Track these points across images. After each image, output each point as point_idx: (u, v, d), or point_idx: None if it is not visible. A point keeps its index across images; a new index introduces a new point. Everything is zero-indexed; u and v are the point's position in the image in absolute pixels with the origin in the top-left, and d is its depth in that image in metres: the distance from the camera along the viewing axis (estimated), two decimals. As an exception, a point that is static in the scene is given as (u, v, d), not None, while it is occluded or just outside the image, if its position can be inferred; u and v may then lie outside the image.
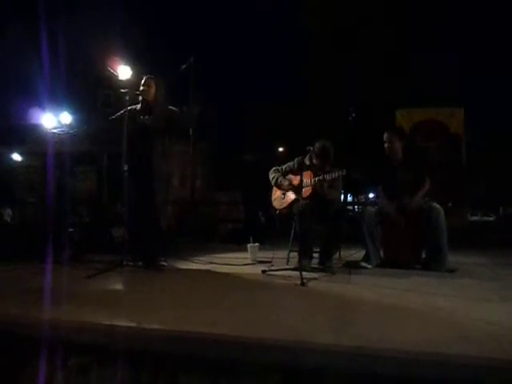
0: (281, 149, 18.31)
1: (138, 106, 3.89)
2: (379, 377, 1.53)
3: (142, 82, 3.84)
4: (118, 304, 2.43)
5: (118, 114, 3.84)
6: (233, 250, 5.17)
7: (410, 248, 3.77)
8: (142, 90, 3.79)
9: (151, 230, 3.77)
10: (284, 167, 4.15)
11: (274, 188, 4.18)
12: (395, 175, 3.86)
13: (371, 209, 3.86)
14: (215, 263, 4.09)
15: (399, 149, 3.88)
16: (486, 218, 27.88)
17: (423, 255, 3.79)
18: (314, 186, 3.82)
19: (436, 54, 13.89)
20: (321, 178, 3.76)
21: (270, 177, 4.17)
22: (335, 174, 3.70)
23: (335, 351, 1.60)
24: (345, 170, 3.66)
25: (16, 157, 8.79)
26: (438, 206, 3.66)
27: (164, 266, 3.72)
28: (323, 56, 14.37)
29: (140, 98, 3.84)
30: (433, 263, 3.61)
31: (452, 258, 3.75)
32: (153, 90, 3.84)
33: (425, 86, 12.99)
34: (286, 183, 3.99)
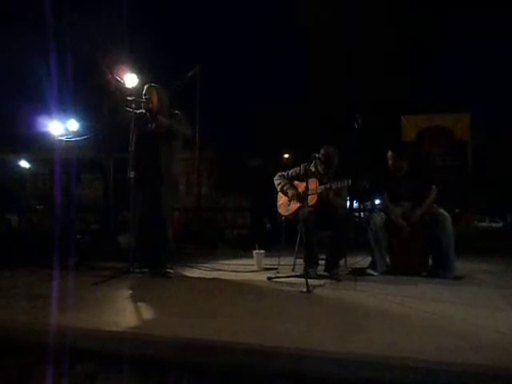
0: (286, 155, 18.32)
1: (145, 113, 3.90)
2: (386, 385, 1.52)
3: (144, 91, 3.86)
4: (123, 311, 2.44)
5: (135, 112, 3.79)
6: (238, 257, 5.16)
7: (416, 255, 3.75)
8: (144, 100, 3.80)
9: (158, 237, 3.78)
10: (290, 173, 4.15)
11: (280, 194, 4.17)
12: (399, 185, 3.87)
13: (377, 215, 3.85)
14: (221, 270, 4.08)
15: (402, 166, 3.92)
16: (493, 225, 27.65)
17: (430, 262, 3.77)
18: (320, 194, 3.81)
19: (442, 56, 13.90)
20: (327, 186, 3.75)
21: (276, 182, 4.16)
22: (341, 184, 3.70)
23: (341, 359, 1.59)
24: (350, 180, 3.66)
25: (24, 164, 8.88)
26: (444, 212, 3.65)
27: (170, 273, 3.71)
28: (327, 62, 14.41)
29: (143, 107, 3.84)
30: (440, 270, 3.59)
31: (459, 265, 3.72)
32: (155, 98, 3.84)
33: (431, 90, 12.98)
34: (291, 192, 3.98)
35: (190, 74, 6.39)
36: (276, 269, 3.93)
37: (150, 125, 3.85)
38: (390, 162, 3.98)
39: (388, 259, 3.85)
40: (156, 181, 3.74)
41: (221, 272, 3.99)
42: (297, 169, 4.12)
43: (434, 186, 3.80)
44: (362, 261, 4.19)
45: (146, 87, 3.87)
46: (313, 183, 3.83)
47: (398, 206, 3.84)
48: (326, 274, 3.65)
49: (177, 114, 3.92)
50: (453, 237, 3.59)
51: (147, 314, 2.34)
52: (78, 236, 4.98)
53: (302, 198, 3.82)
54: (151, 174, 3.75)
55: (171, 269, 3.77)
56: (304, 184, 3.78)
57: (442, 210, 3.67)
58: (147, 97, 3.81)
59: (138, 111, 3.85)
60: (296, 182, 4.07)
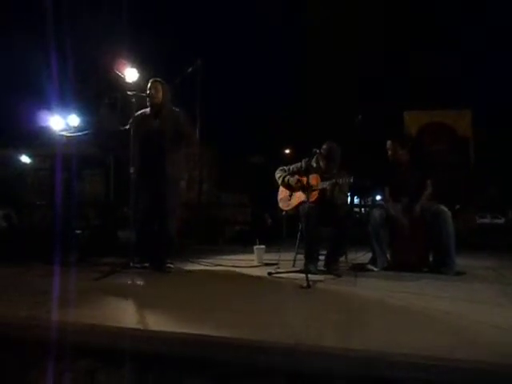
0: (287, 151, 18.30)
1: (148, 110, 3.90)
2: (386, 381, 1.52)
3: (149, 85, 3.85)
4: (124, 306, 2.44)
5: (128, 125, 3.84)
6: (239, 252, 5.17)
7: (417, 251, 3.75)
8: (149, 94, 3.80)
9: (160, 232, 3.78)
10: (291, 167, 4.14)
11: (280, 188, 4.16)
12: (399, 178, 3.86)
13: (378, 211, 3.85)
14: (222, 265, 4.09)
15: (402, 156, 3.90)
16: (495, 221, 27.64)
17: (431, 258, 3.76)
18: (321, 190, 3.80)
19: (442, 52, 13.85)
20: (333, 181, 3.74)
21: (277, 176, 4.15)
22: (345, 179, 3.69)
23: (341, 355, 1.59)
24: (352, 178, 3.65)
25: (24, 159, 8.86)
26: (445, 208, 3.64)
27: (170, 267, 3.72)
28: (327, 58, 14.36)
29: (148, 101, 3.84)
30: (441, 266, 3.59)
31: (460, 262, 3.72)
32: (160, 93, 3.84)
33: (433, 85, 12.94)
34: (293, 180, 3.95)
35: (190, 69, 6.34)
36: (276, 264, 3.93)
37: (152, 121, 3.84)
38: (389, 152, 3.94)
39: (389, 255, 3.85)
40: (160, 177, 3.74)
41: (221, 267, 3.99)
42: (298, 164, 4.11)
43: (428, 182, 3.79)
44: (363, 256, 4.19)
45: (151, 81, 3.86)
46: (314, 179, 3.82)
47: (397, 201, 3.84)
48: (326, 269, 3.65)
49: (177, 111, 3.92)
50: (453, 233, 3.59)
51: (147, 309, 2.34)
52: (79, 231, 4.97)
53: (305, 188, 3.80)
54: (155, 170, 3.74)
55: (171, 264, 3.78)
56: (305, 179, 3.77)
57: (442, 207, 3.66)
58: (153, 91, 3.80)
59: (141, 111, 3.86)
60: (297, 177, 4.05)
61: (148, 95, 3.79)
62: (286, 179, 4.02)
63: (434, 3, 14.06)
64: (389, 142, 3.94)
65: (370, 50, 13.92)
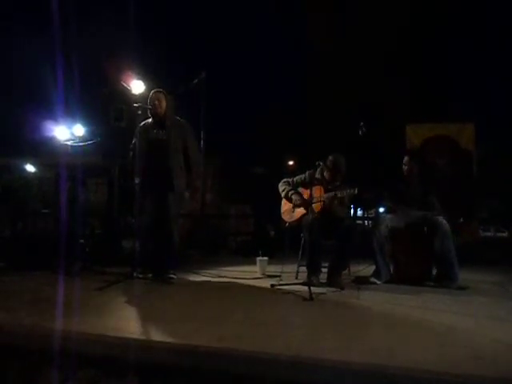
0: (291, 162, 18.35)
1: (150, 121, 3.95)
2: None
3: (152, 96, 3.90)
4: (126, 316, 2.45)
5: (134, 141, 3.90)
6: (242, 263, 5.16)
7: (420, 264, 3.74)
8: (152, 105, 3.85)
9: (164, 242, 3.79)
10: (295, 179, 4.15)
11: (284, 200, 4.17)
12: (409, 192, 3.87)
13: (382, 224, 3.85)
14: (224, 276, 4.09)
15: (417, 173, 3.90)
16: (499, 234, 27.43)
17: (434, 272, 3.75)
18: (324, 202, 3.81)
19: (447, 63, 13.95)
20: (332, 194, 3.75)
21: (280, 189, 4.16)
22: (347, 192, 3.69)
23: (343, 368, 1.59)
24: (356, 189, 3.65)
25: (30, 168, 8.94)
26: (443, 220, 3.62)
27: (173, 278, 3.72)
28: (331, 70, 14.46)
29: (150, 112, 3.89)
30: (444, 280, 3.58)
31: (464, 275, 3.71)
32: (163, 103, 3.89)
33: (435, 99, 13.00)
34: (295, 198, 3.98)
35: (195, 81, 6.41)
36: (279, 276, 3.93)
37: (156, 131, 3.89)
38: (405, 167, 3.94)
39: (392, 268, 3.84)
40: (164, 187, 3.76)
41: (224, 278, 3.99)
42: (302, 176, 4.12)
43: (435, 200, 3.81)
44: (366, 269, 4.18)
45: (153, 92, 3.91)
46: (317, 191, 3.83)
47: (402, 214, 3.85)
48: (329, 281, 3.64)
49: (183, 121, 3.96)
50: (453, 246, 3.57)
51: (150, 319, 2.34)
52: (83, 240, 4.99)
53: (306, 204, 3.82)
54: (159, 180, 3.77)
55: (174, 274, 3.78)
56: (308, 191, 3.77)
57: (440, 218, 3.64)
58: (156, 102, 3.85)
59: (143, 123, 3.91)
60: (301, 189, 4.07)
61: (151, 106, 3.84)
62: (290, 194, 4.03)
63: (438, 15, 14.18)
64: (406, 158, 3.95)
65: (372, 62, 14.04)
